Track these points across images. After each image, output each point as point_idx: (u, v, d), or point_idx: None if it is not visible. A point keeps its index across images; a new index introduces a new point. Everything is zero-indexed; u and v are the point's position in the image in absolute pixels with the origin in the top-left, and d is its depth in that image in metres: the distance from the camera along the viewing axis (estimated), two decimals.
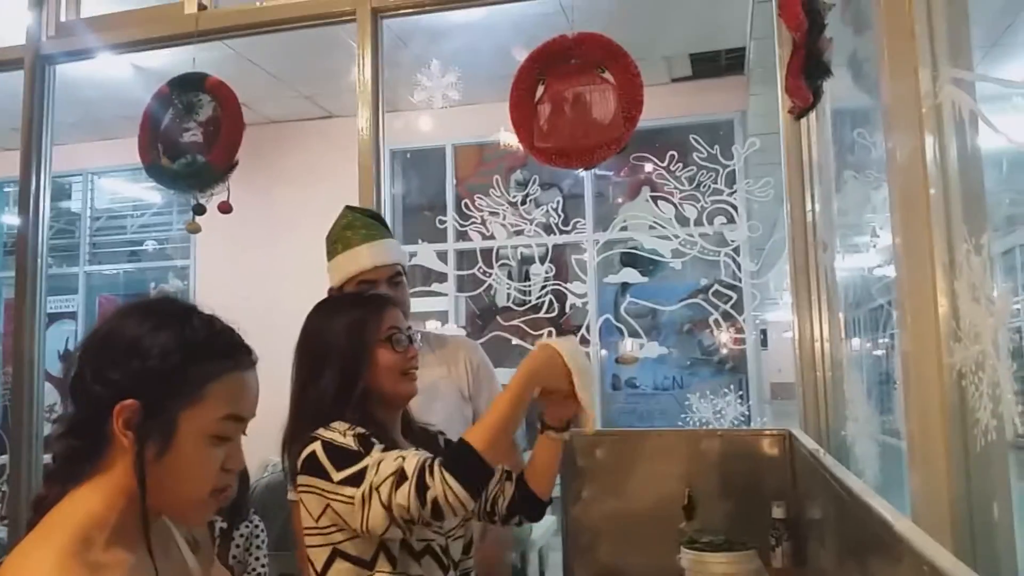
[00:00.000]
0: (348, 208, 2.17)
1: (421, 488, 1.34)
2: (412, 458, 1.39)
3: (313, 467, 1.45)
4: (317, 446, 1.46)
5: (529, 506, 1.69)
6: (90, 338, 1.01)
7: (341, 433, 1.47)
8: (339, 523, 1.46)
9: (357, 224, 2.09)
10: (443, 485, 1.34)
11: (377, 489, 1.37)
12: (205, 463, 0.98)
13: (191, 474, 0.98)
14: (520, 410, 1.47)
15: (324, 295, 1.72)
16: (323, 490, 1.44)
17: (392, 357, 1.61)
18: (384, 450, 1.44)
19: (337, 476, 1.42)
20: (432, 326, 5.54)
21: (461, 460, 1.37)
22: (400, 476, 1.37)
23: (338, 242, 2.08)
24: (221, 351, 1.01)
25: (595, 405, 1.60)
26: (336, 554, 1.49)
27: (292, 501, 2.01)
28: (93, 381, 0.96)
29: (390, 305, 1.68)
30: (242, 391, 1.02)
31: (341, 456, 1.43)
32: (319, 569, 1.52)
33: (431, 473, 1.35)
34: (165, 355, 0.97)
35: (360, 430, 1.48)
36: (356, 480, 1.40)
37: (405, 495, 1.35)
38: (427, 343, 2.19)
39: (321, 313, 1.66)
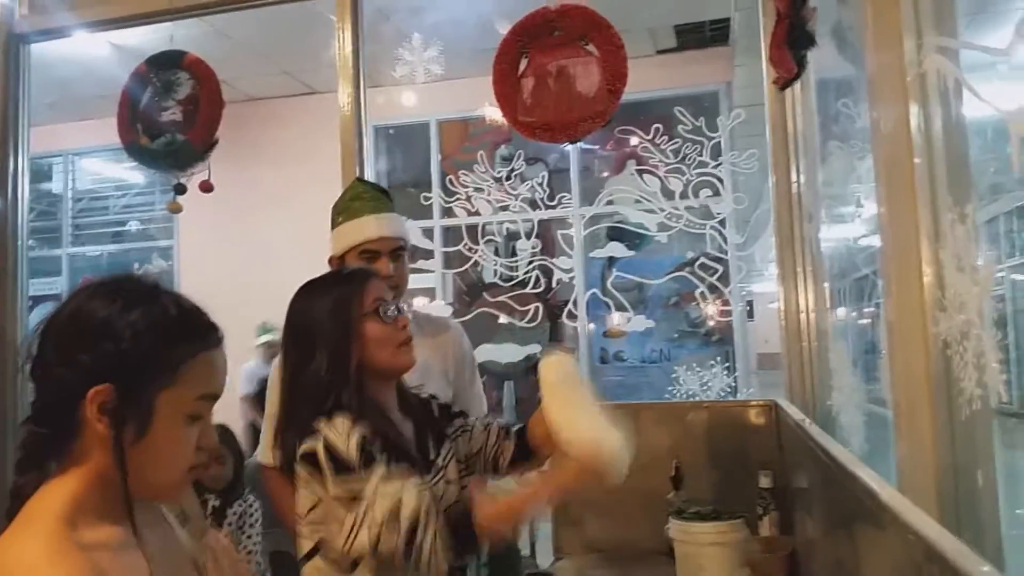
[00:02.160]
0: (358, 180, 2.17)
1: (410, 542, 1.35)
2: (409, 502, 1.38)
3: (313, 465, 1.44)
4: (319, 446, 1.44)
5: (532, 460, 1.68)
6: (52, 320, 0.98)
7: (345, 437, 1.44)
8: (326, 520, 1.46)
9: (366, 195, 2.09)
10: (431, 547, 1.35)
11: (367, 526, 1.37)
12: (182, 443, 0.98)
13: (170, 455, 0.97)
14: (548, 507, 1.51)
15: (310, 270, 1.70)
16: (316, 490, 1.45)
17: (382, 328, 1.58)
18: (385, 469, 1.42)
19: (333, 488, 1.41)
20: (420, 303, 5.53)
21: (460, 532, 1.39)
22: (393, 520, 1.36)
23: (345, 211, 2.08)
24: (192, 331, 1.00)
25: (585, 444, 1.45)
26: (318, 550, 1.50)
27: (268, 468, 2.01)
28: (59, 365, 0.94)
29: (373, 278, 1.65)
30: (214, 370, 1.01)
31: (341, 468, 1.42)
32: (300, 557, 1.53)
33: (424, 530, 1.36)
34: (138, 336, 0.95)
35: (361, 434, 1.45)
36: (350, 500, 1.40)
37: (393, 543, 1.35)
38: (417, 324, 2.14)
39: (304, 296, 1.64)
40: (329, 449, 1.43)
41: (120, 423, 0.93)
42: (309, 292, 1.64)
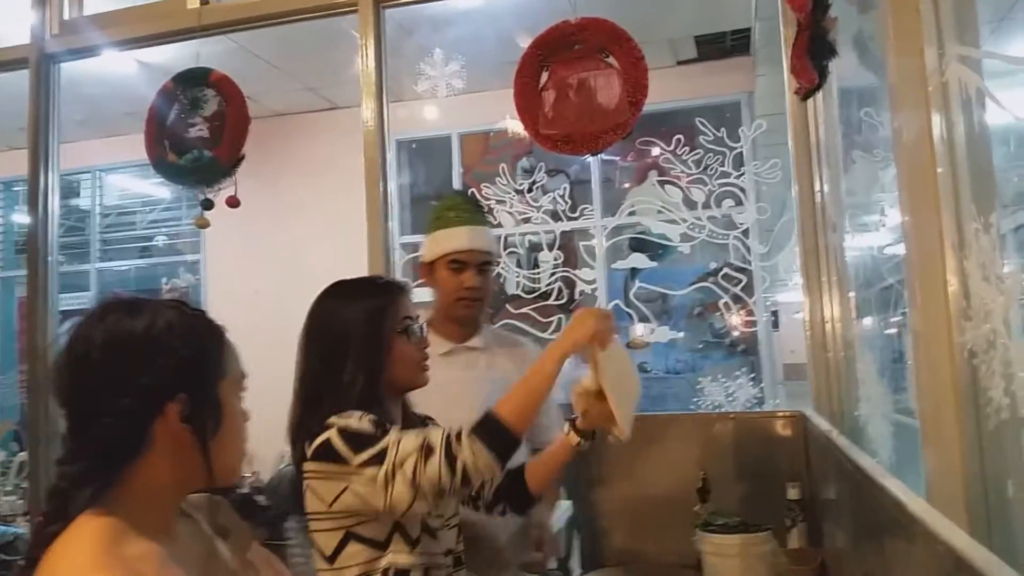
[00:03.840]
0: (456, 191, 2.26)
1: (450, 457, 1.37)
2: (435, 432, 1.42)
3: (328, 453, 1.45)
4: (332, 433, 1.45)
5: (518, 498, 1.70)
6: (78, 362, 0.97)
7: (356, 419, 1.46)
8: (354, 506, 1.46)
9: (461, 207, 2.17)
10: (471, 451, 1.38)
11: (401, 466, 1.39)
12: (242, 419, 1.07)
13: (239, 435, 1.06)
14: (549, 383, 1.50)
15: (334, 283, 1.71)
16: (340, 474, 1.44)
17: (407, 347, 1.61)
18: (399, 430, 1.45)
19: (356, 459, 1.42)
20: None
21: (487, 428, 1.42)
22: (427, 450, 1.39)
23: (439, 219, 2.16)
24: (211, 322, 1.07)
25: (630, 419, 1.59)
26: (349, 537, 1.50)
27: None
28: (120, 396, 0.95)
29: (405, 292, 1.66)
30: (235, 350, 1.09)
31: (359, 440, 1.43)
32: (329, 553, 1.52)
33: (459, 441, 1.39)
34: (186, 340, 1.00)
35: (372, 416, 1.48)
36: (377, 460, 1.40)
37: (435, 466, 1.37)
38: (497, 339, 2.26)
39: (332, 299, 1.63)
40: (343, 431, 1.45)
41: (201, 424, 0.98)
42: (339, 294, 1.64)
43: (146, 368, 0.96)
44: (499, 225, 4.70)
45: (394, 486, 1.38)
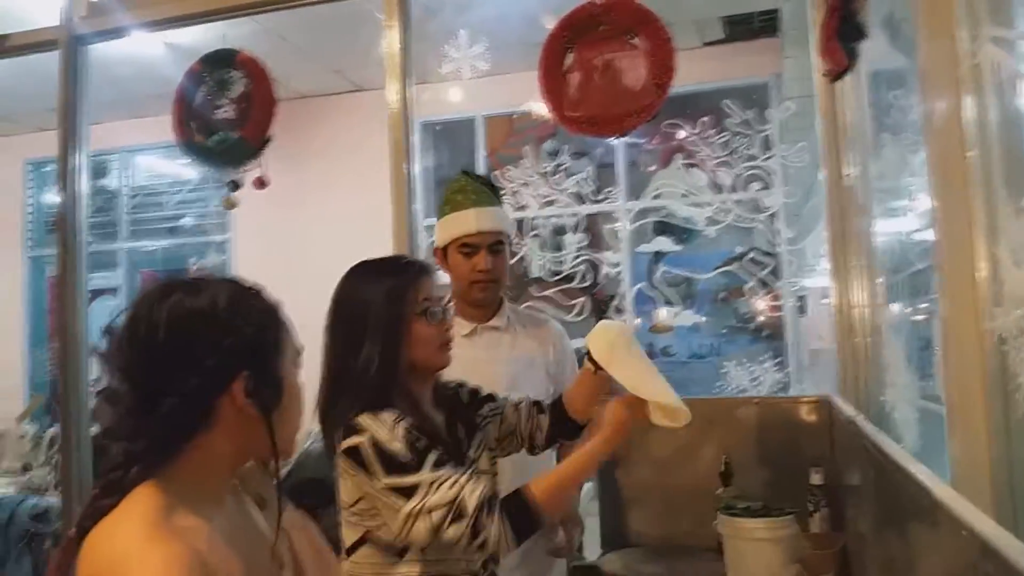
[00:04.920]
0: (464, 173, 2.23)
1: (476, 529, 1.37)
2: (472, 493, 1.39)
3: (358, 460, 1.44)
4: (365, 441, 1.44)
5: (568, 430, 1.71)
6: (147, 346, 0.98)
7: (389, 429, 1.44)
8: (374, 511, 1.48)
9: (469, 189, 2.15)
10: (498, 531, 1.37)
11: (429, 513, 1.38)
12: (300, 390, 1.10)
13: (297, 407, 1.09)
14: (588, 475, 1.52)
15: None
16: (363, 484, 1.45)
17: (426, 329, 1.59)
18: (436, 460, 1.43)
19: (385, 480, 1.41)
20: None
21: (521, 512, 1.41)
22: (457, 510, 1.37)
23: (448, 203, 2.15)
24: (267, 300, 1.08)
25: (660, 393, 1.51)
26: (367, 538, 1.51)
27: None
28: (189, 376, 0.97)
29: (426, 273, 1.65)
30: (290, 324, 1.10)
31: (391, 462, 1.42)
32: (347, 546, 1.54)
33: (489, 515, 1.37)
34: (249, 319, 1.01)
35: (407, 426, 1.46)
36: (406, 493, 1.39)
37: (459, 532, 1.37)
38: (520, 320, 2.28)
39: (355, 278, 1.63)
40: (376, 445, 1.43)
41: (265, 399, 1.01)
42: (361, 274, 1.64)
43: (213, 347, 0.98)
44: (523, 207, 4.70)
45: (415, 525, 1.38)
